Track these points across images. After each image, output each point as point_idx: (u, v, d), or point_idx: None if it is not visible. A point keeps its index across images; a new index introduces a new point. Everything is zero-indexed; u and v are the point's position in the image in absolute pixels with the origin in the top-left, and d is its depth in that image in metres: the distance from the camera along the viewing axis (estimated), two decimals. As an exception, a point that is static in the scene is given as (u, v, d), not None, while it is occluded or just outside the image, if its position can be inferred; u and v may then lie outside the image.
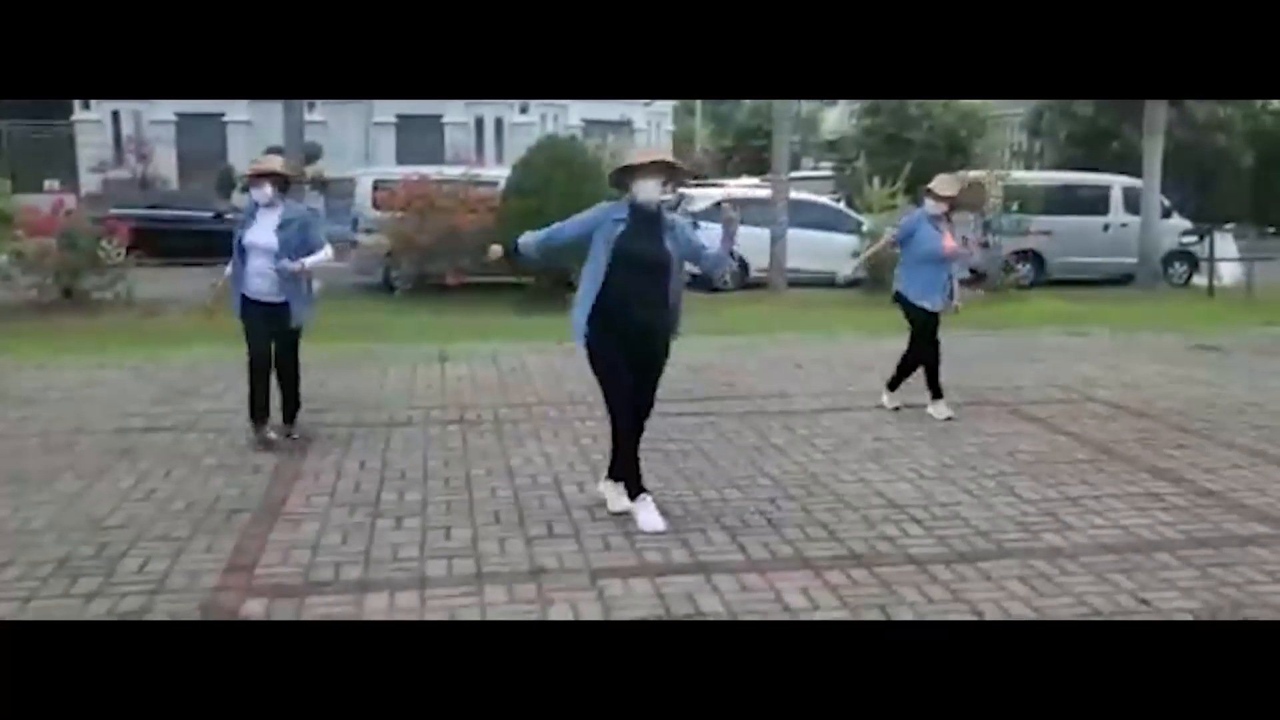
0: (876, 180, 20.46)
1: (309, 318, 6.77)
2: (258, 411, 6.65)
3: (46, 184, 25.41)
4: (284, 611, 4.19)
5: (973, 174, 20.21)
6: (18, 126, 27.78)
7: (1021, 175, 21.05)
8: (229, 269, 6.69)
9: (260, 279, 6.53)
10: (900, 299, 7.71)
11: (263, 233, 6.49)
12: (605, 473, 5.54)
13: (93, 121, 29.62)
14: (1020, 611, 4.22)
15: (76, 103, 28.67)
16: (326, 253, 6.68)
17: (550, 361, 9.75)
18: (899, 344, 10.94)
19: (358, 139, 29.10)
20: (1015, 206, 17.62)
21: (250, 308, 6.59)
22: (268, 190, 6.53)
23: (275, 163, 6.94)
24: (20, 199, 16.61)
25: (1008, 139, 37.36)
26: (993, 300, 16.15)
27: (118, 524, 5.21)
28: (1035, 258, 18.46)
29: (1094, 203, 19.12)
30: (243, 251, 6.54)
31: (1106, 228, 18.92)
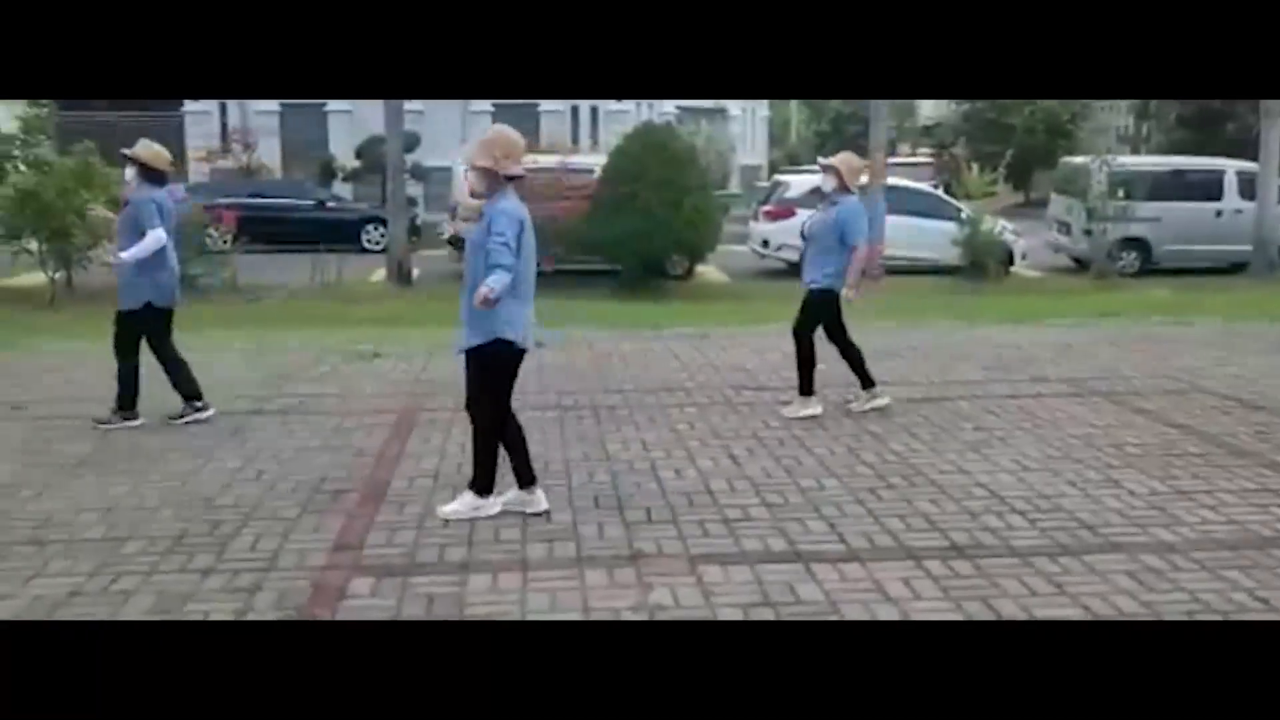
0: (975, 166, 20.09)
1: (132, 302, 6.82)
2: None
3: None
4: (390, 591, 4.28)
5: (1077, 159, 19.76)
6: (129, 118, 28.75)
7: (1128, 160, 20.48)
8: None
9: None
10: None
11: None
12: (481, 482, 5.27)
13: (201, 113, 30.50)
14: (1128, 607, 4.12)
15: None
16: (144, 243, 6.67)
17: (645, 347, 9.79)
18: (997, 332, 10.79)
19: (455, 127, 29.45)
20: (1120, 193, 17.16)
21: None
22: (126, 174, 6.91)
23: (139, 149, 6.91)
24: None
25: (1114, 123, 36.36)
26: (1097, 288, 15.78)
27: (229, 503, 5.38)
28: (1141, 245, 17.95)
29: (1206, 188, 18.48)
30: None
31: (1219, 214, 18.29)
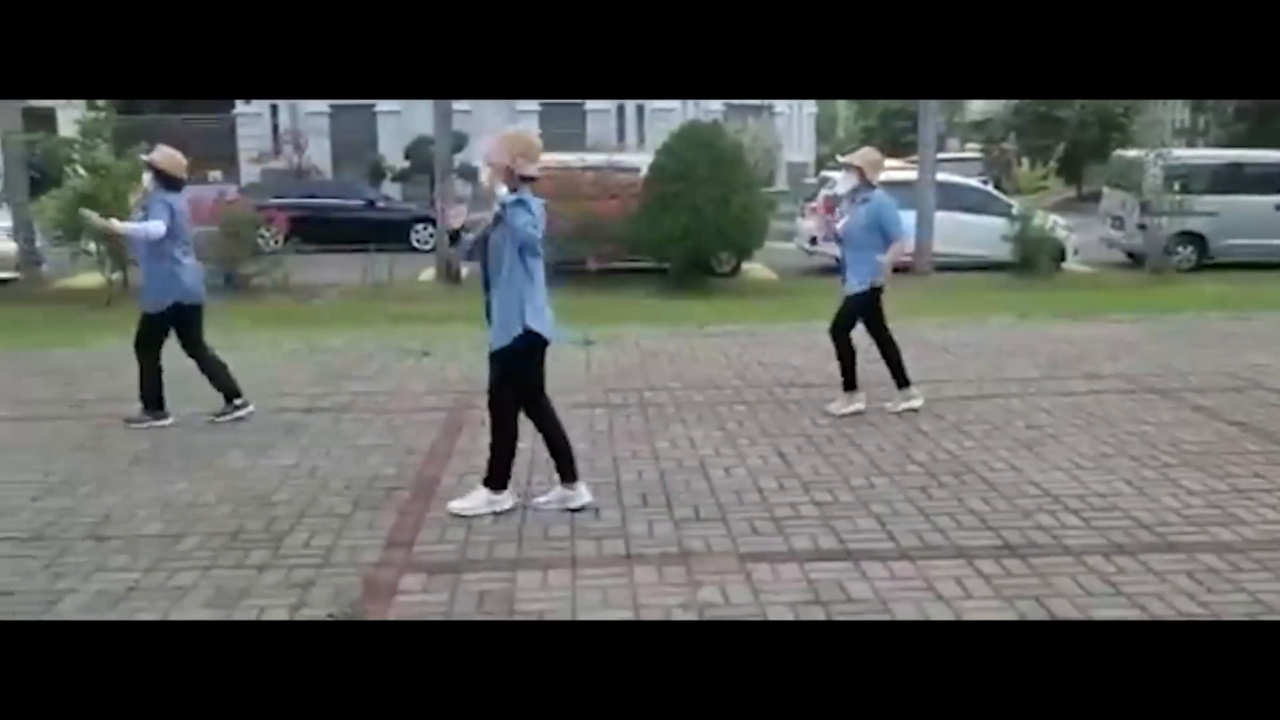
0: (1026, 161, 19.84)
1: (154, 305, 6.98)
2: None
3: (211, 176, 26.62)
4: (441, 587, 4.32)
5: (1131, 153, 19.45)
6: (184, 120, 29.20)
7: (1184, 153, 20.11)
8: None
9: None
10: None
11: None
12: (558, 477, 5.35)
13: (252, 114, 30.90)
14: (1187, 607, 4.06)
15: (235, 95, 30.08)
16: (140, 225, 6.93)
17: (691, 345, 9.78)
18: (1049, 328, 10.65)
19: (502, 127, 29.62)
20: (1176, 186, 16.87)
21: None
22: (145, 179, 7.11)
23: (156, 155, 7.05)
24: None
25: (1169, 115, 35.75)
26: (1152, 283, 15.54)
27: (284, 499, 5.45)
28: (1198, 239, 17.64)
29: (1264, 181, 18.11)
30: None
31: (1279, 208, 17.93)
